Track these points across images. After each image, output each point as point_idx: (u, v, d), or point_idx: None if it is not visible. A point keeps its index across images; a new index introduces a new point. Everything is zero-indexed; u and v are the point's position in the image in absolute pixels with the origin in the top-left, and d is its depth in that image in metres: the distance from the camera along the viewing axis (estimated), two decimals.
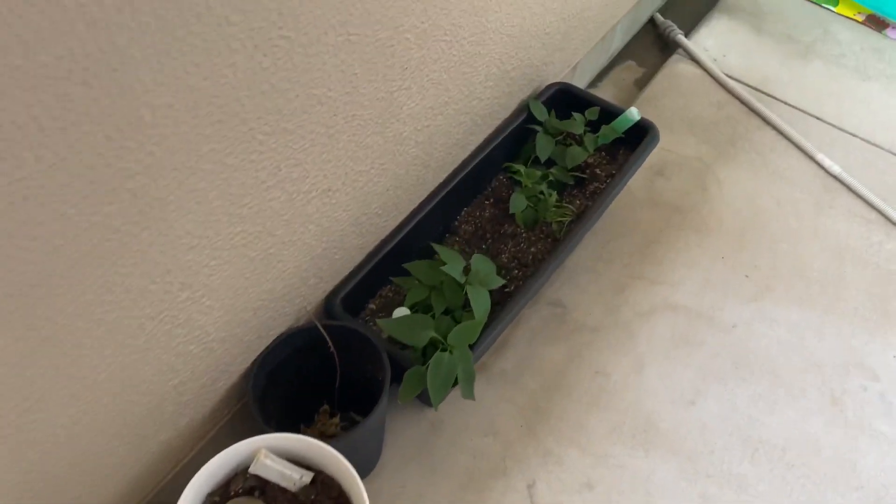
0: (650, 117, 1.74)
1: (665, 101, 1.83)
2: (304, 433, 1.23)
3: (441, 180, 1.36)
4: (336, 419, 1.22)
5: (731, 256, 1.55)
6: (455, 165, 1.38)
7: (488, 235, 1.42)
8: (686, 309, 1.47)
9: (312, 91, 0.88)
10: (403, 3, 0.95)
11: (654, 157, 1.69)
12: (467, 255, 1.38)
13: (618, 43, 1.93)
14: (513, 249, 1.38)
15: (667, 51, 1.97)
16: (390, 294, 1.30)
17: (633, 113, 1.45)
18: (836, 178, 1.70)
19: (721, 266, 1.54)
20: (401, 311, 1.17)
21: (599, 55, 1.84)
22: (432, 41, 1.06)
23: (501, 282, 1.21)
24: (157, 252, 0.79)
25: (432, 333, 1.10)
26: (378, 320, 1.11)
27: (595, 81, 1.89)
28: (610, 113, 1.50)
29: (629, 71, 1.95)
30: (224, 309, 0.97)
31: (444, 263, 1.19)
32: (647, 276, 1.51)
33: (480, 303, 1.16)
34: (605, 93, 1.88)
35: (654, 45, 2.01)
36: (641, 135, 1.47)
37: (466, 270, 1.21)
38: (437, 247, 1.21)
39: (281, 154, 0.89)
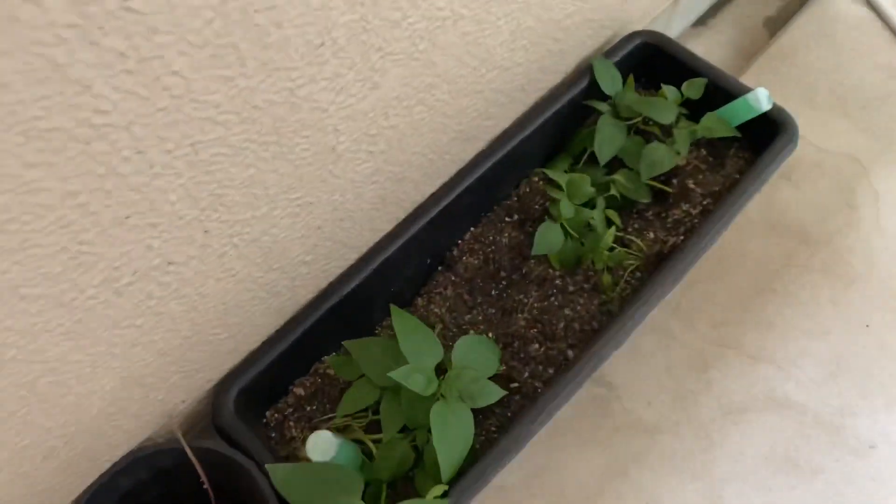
0: (780, 83, 1.17)
1: (807, 57, 1.22)
2: None
3: (431, 192, 0.86)
4: None
5: (881, 324, 1.01)
6: (458, 167, 0.87)
7: (502, 275, 0.92)
8: (801, 408, 0.95)
9: (65, 120, 0.39)
10: None
11: None
12: (464, 309, 0.89)
13: None
14: (537, 306, 0.88)
15: None
16: (331, 371, 0.84)
17: (760, 98, 0.89)
18: None
19: (865, 339, 1.00)
20: (320, 440, 0.70)
21: None
22: None
23: (499, 395, 0.73)
24: None
25: (357, 503, 0.65)
26: (269, 467, 0.66)
27: (705, 18, 1.29)
28: (722, 90, 0.94)
29: (759, 4, 1.33)
30: None
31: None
32: (747, 348, 0.99)
33: (451, 446, 0.68)
34: (719, 37, 1.28)
35: None
36: (770, 132, 0.91)
37: (443, 365, 0.73)
38: (395, 314, 0.73)
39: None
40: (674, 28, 1.19)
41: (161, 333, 0.61)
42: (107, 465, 0.69)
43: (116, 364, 0.59)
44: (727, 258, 1.05)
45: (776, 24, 1.29)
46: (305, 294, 0.78)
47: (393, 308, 0.73)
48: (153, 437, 0.73)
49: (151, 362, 0.63)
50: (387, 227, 0.82)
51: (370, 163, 0.69)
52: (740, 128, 0.93)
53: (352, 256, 0.80)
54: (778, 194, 1.10)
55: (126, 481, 0.72)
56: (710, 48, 1.26)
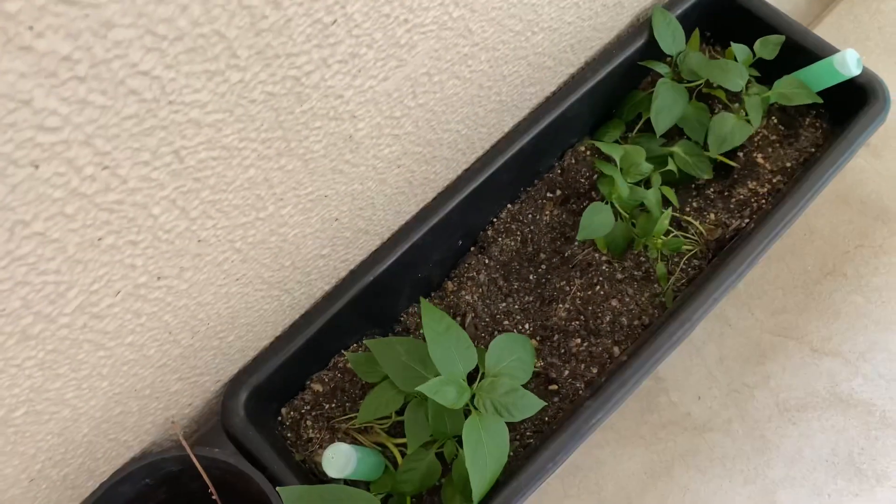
0: (860, 32, 1.03)
1: (893, 1, 1.08)
2: None
3: (464, 169, 0.76)
4: None
5: None
6: (495, 140, 0.77)
7: (542, 258, 0.83)
8: (867, 407, 0.87)
9: None
10: None
11: None
12: (498, 296, 0.81)
13: None
14: (580, 295, 0.80)
15: None
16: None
17: (849, 62, 0.77)
18: None
19: None
20: (338, 454, 0.64)
21: None
22: None
23: (538, 407, 0.65)
24: None
25: None
26: (281, 490, 0.59)
27: None
28: (800, 49, 0.82)
29: None
30: None
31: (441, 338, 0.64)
32: (809, 339, 0.90)
33: (483, 465, 0.61)
34: None
35: None
36: (855, 101, 0.79)
37: (475, 374, 0.66)
38: (426, 312, 0.65)
39: None
40: None
41: (156, 347, 0.54)
42: (107, 475, 0.64)
43: (105, 384, 0.52)
44: (791, 235, 0.95)
45: None
46: (322, 286, 0.70)
47: (424, 305, 0.65)
48: (158, 441, 0.67)
49: (147, 376, 0.56)
50: (414, 209, 0.73)
51: (395, 146, 0.60)
52: (830, 92, 0.81)
53: (374, 243, 0.72)
54: (853, 163, 0.98)
55: (129, 488, 0.67)
56: None
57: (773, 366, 0.88)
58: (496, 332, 0.79)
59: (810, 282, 0.92)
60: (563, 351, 0.77)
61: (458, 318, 0.80)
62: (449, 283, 0.83)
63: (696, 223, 0.81)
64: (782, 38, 0.81)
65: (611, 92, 0.84)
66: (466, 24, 0.55)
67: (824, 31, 1.05)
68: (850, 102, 0.79)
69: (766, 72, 0.82)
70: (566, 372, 0.76)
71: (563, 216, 0.84)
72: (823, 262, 0.93)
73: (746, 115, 0.79)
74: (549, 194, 0.85)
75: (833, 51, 0.80)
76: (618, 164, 0.78)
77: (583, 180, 0.84)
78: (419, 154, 0.65)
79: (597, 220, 0.76)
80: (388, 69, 0.51)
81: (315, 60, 0.44)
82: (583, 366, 0.76)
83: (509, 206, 0.84)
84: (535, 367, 0.75)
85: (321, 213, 0.59)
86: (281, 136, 0.47)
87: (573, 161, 0.85)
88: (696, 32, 0.84)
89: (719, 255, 0.78)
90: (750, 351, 0.89)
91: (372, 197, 0.64)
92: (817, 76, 0.80)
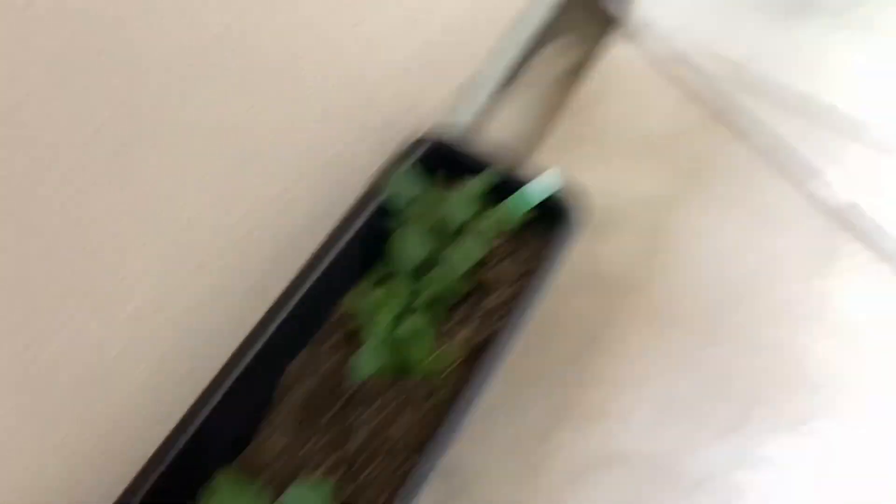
0: (580, 139, 1.24)
1: (600, 110, 1.30)
2: None
3: (243, 339, 0.87)
4: None
5: (701, 360, 1.09)
6: (266, 308, 0.89)
7: (338, 393, 0.94)
8: (638, 457, 1.02)
9: None
10: None
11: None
12: (302, 439, 0.91)
13: (539, 19, 1.37)
14: (375, 420, 0.91)
15: (608, 21, 1.42)
16: None
17: (540, 185, 0.95)
18: (844, 213, 1.21)
19: (689, 377, 1.08)
20: None
21: (511, 48, 1.29)
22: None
23: None
24: None
25: None
26: None
27: (511, 80, 1.34)
28: (518, 178, 0.99)
29: (558, 57, 1.40)
30: None
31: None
32: (584, 408, 1.05)
33: None
34: (523, 100, 1.34)
35: (594, 11, 1.45)
36: (559, 212, 0.97)
37: None
38: (220, 482, 0.74)
39: None
40: (479, 97, 1.23)
41: None
42: None
43: None
44: (554, 324, 1.10)
45: (575, 79, 1.37)
46: (126, 475, 0.78)
47: (203, 494, 0.74)
48: None
49: None
50: (204, 382, 0.83)
51: (150, 359, 0.70)
52: (544, 206, 0.98)
53: (172, 419, 0.81)
54: (593, 250, 1.16)
55: None
56: (518, 109, 1.31)
57: (556, 441, 1.03)
58: (304, 473, 0.89)
59: (574, 359, 1.08)
60: (366, 474, 0.88)
61: (270, 467, 0.90)
62: (261, 433, 0.92)
63: (461, 333, 0.95)
64: (493, 174, 0.98)
65: (370, 241, 0.98)
66: (185, 251, 0.67)
67: (551, 146, 1.25)
68: (556, 214, 0.97)
69: (500, 194, 0.99)
70: (369, 492, 0.87)
71: (351, 353, 0.96)
72: (582, 340, 1.10)
73: (480, 240, 0.96)
74: (334, 334, 0.98)
75: (536, 174, 0.98)
76: (379, 304, 0.91)
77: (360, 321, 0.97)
78: (180, 359, 0.75)
79: (365, 362, 0.88)
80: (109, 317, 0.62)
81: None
82: (385, 484, 0.87)
83: (301, 352, 0.96)
84: (340, 498, 0.85)
85: (89, 437, 0.68)
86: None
87: (350, 304, 0.98)
88: (432, 176, 1.00)
89: (480, 358, 0.92)
90: (535, 433, 1.03)
91: (143, 405, 0.73)
92: (527, 197, 0.98)
